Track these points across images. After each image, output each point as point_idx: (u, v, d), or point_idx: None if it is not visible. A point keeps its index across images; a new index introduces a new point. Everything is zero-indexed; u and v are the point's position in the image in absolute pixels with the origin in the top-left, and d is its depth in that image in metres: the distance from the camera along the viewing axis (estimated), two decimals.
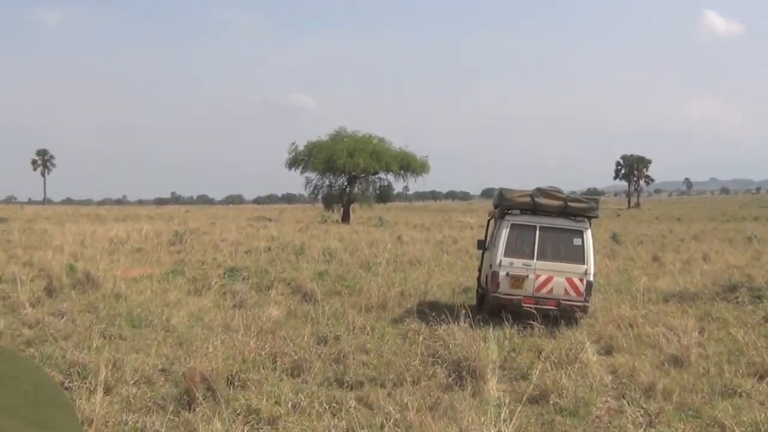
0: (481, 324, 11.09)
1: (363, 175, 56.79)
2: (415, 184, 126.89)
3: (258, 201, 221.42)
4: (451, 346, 9.19)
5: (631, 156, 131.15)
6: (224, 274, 16.21)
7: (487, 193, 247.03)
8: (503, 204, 12.48)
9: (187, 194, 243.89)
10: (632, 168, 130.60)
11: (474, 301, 14.17)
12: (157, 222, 48.88)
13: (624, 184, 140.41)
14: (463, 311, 10.40)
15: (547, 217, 12.23)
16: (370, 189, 58.77)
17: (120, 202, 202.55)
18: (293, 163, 57.33)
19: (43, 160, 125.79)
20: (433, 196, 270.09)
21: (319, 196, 58.03)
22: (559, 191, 12.57)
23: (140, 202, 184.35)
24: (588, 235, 12.05)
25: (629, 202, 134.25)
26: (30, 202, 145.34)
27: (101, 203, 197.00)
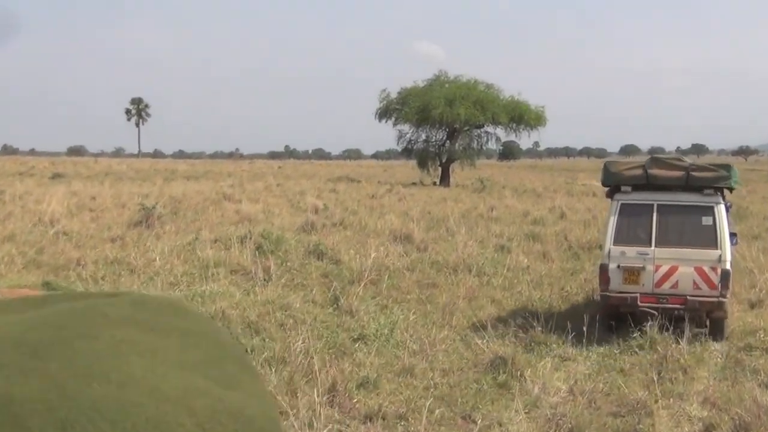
0: None
1: (466, 128, 46.92)
2: (530, 139, 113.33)
3: (377, 156, 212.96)
4: None
5: None
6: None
7: (625, 150, 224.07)
8: (610, 180, 9.87)
9: (302, 148, 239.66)
10: None
11: None
12: (222, 180, 41.30)
13: None
14: None
15: (667, 192, 9.59)
16: (475, 144, 48.79)
17: (231, 155, 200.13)
18: (384, 113, 48.18)
19: (138, 110, 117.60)
20: (566, 152, 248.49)
21: (413, 153, 48.79)
22: (680, 159, 10.38)
23: (241, 156, 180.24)
24: (720, 210, 9.34)
25: None
26: (139, 154, 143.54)
27: (213, 156, 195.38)
